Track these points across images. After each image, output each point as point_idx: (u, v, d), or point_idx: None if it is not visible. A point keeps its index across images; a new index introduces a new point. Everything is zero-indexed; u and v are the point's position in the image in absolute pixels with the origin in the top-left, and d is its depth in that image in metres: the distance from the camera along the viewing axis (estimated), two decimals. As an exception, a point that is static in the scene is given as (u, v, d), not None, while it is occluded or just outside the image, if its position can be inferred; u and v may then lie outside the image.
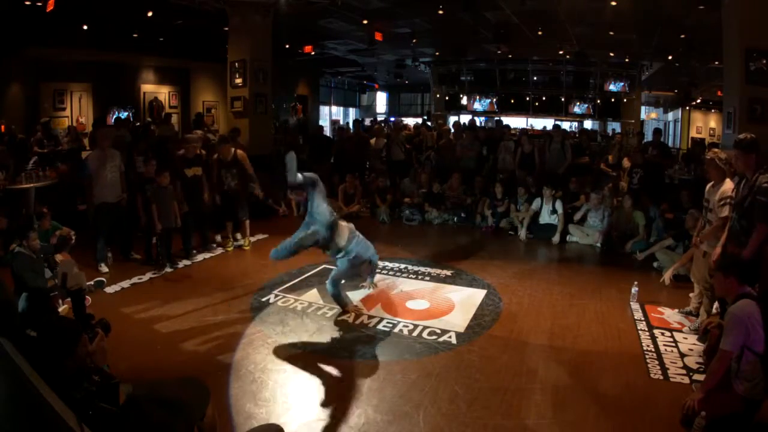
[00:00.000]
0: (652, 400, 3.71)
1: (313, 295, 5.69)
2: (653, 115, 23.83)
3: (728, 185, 4.58)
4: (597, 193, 8.15)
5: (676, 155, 12.90)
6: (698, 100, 21.44)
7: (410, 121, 20.22)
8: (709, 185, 4.87)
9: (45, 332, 2.30)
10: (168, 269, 6.57)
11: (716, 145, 9.46)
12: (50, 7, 8.98)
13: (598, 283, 6.34)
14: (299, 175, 4.94)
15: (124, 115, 13.65)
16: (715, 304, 4.75)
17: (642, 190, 8.26)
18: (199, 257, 7.12)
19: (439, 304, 5.56)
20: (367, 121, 21.41)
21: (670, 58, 16.16)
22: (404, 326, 4.93)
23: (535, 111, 21.12)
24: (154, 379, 3.58)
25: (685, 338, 4.75)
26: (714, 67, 14.36)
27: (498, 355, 4.40)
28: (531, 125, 20.99)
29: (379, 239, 8.24)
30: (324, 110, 24.83)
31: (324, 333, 4.80)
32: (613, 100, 20.04)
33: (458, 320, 5.10)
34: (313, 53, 17.15)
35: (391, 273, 6.54)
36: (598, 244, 7.89)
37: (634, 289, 5.67)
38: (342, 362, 4.21)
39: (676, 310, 5.37)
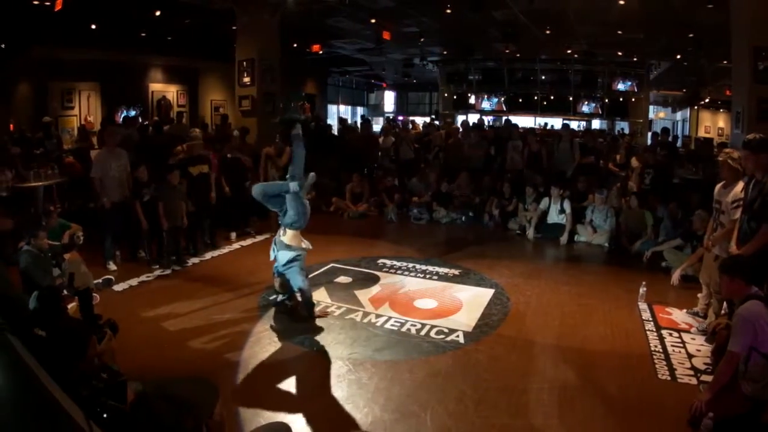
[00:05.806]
0: (659, 400, 3.69)
1: (320, 293, 5.67)
2: (661, 115, 23.73)
3: (740, 187, 4.48)
4: (601, 193, 8.07)
5: (684, 155, 12.80)
6: (707, 100, 21.31)
7: (418, 120, 20.19)
8: (719, 186, 4.79)
9: (56, 335, 2.31)
10: (176, 267, 6.60)
11: (726, 145, 9.37)
12: (58, 7, 9.04)
13: (605, 283, 6.32)
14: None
15: (132, 114, 13.71)
16: (724, 305, 4.70)
17: (652, 190, 8.20)
18: (207, 255, 7.15)
19: (446, 303, 5.55)
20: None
21: (678, 57, 16.10)
22: (412, 325, 4.93)
23: (543, 110, 21.07)
24: (162, 376, 3.60)
25: (693, 339, 4.72)
26: (723, 66, 14.27)
27: (505, 354, 4.40)
28: (539, 124, 20.93)
29: (387, 238, 8.30)
30: (332, 109, 24.87)
31: (331, 331, 4.80)
32: (621, 99, 19.99)
33: (466, 319, 5.09)
34: (321, 52, 17.20)
35: (399, 272, 6.54)
36: (606, 244, 7.85)
37: (642, 290, 5.63)
38: (349, 361, 4.21)
39: (684, 311, 5.34)
